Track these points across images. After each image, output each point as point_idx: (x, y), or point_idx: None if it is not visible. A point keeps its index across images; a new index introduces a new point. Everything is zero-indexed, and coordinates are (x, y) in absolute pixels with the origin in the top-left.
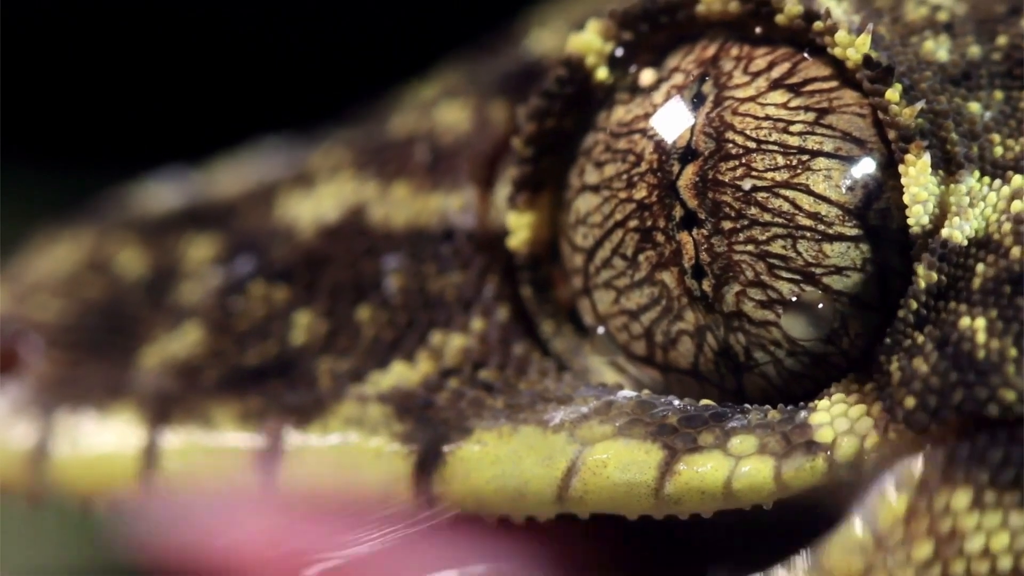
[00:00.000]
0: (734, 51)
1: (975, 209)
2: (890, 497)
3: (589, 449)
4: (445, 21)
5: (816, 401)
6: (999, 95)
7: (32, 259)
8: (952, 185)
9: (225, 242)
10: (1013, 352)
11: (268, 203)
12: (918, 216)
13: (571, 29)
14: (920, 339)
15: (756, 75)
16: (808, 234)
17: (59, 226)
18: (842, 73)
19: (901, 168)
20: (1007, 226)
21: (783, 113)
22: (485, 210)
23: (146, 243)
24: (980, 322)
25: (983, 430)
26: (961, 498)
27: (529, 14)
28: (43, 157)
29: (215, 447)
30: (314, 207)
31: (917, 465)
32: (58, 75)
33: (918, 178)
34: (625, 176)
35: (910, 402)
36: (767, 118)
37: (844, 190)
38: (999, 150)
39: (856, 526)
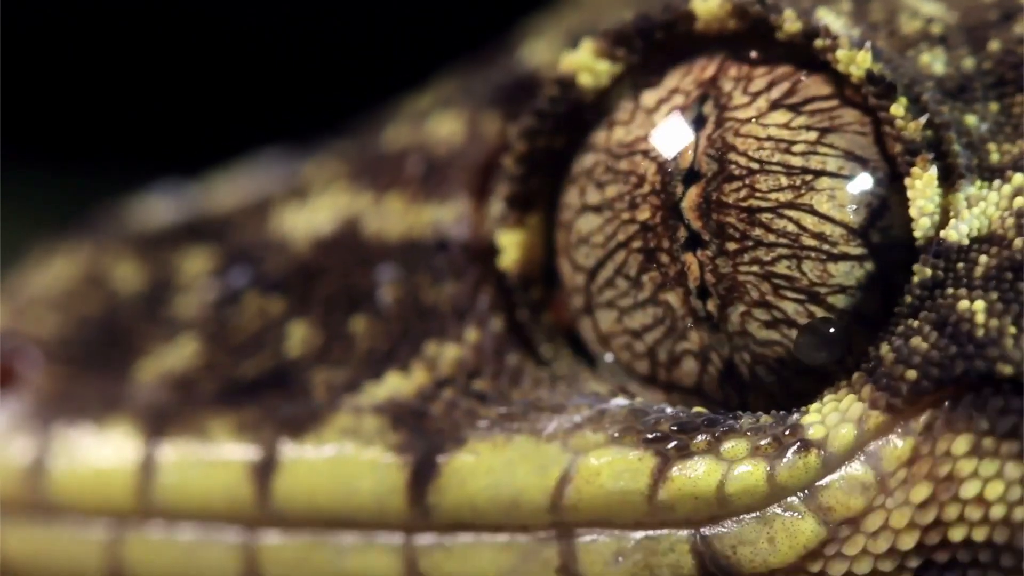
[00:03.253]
0: (733, 71)
1: (974, 209)
2: (895, 440)
3: (582, 458)
4: (443, 31)
5: (808, 405)
6: (994, 106)
7: (29, 273)
8: (952, 195)
9: (220, 255)
10: (1012, 329)
11: (263, 215)
12: (924, 228)
13: (564, 43)
14: (915, 324)
15: (756, 95)
16: (813, 254)
17: (56, 240)
18: (842, 91)
19: (907, 181)
20: (1010, 220)
21: (785, 133)
22: (479, 222)
23: (142, 257)
24: (979, 304)
25: (986, 385)
26: (961, 444)
27: (524, 24)
28: (43, 160)
29: (211, 460)
30: (308, 219)
31: (923, 415)
32: (58, 78)
33: (924, 191)
34: (628, 197)
35: (911, 375)
36: (769, 139)
37: (848, 209)
38: (995, 156)
39: (858, 466)
